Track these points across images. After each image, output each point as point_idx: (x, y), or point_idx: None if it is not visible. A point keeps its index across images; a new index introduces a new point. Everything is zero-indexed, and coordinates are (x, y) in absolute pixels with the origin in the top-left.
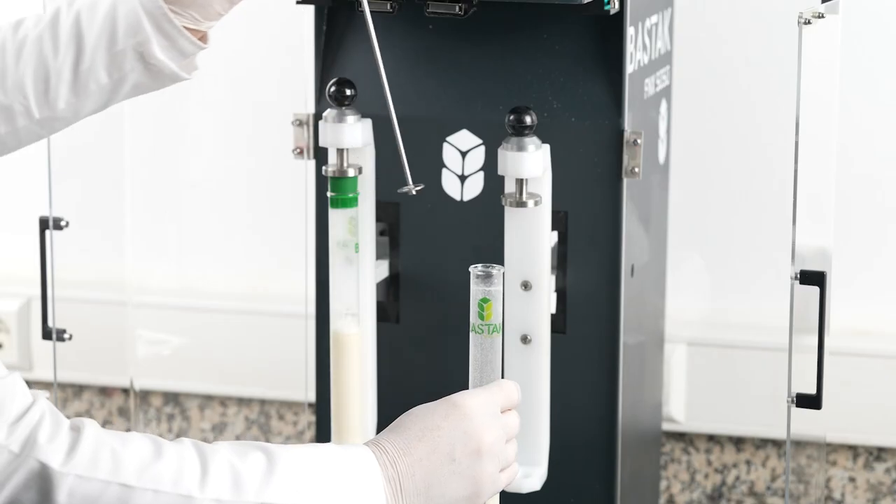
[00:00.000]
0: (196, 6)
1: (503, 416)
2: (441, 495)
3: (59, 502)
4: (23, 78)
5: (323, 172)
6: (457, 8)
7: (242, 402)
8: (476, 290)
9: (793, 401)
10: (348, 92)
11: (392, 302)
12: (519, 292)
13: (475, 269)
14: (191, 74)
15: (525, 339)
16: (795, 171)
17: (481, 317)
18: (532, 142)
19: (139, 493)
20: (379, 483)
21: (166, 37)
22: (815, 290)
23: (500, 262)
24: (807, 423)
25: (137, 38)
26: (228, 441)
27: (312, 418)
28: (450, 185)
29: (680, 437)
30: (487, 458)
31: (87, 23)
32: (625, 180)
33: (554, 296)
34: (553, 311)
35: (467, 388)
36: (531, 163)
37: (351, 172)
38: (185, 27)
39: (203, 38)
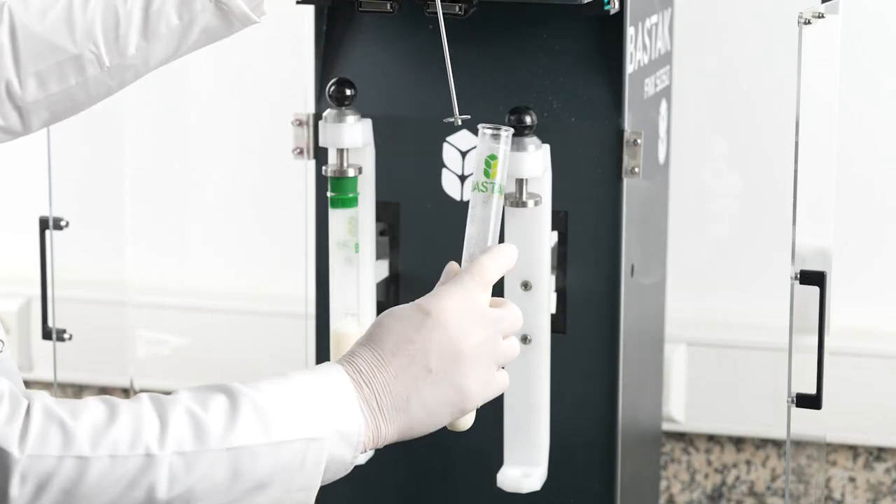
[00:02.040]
0: None
1: (493, 310)
2: (422, 406)
3: (12, 486)
4: (91, 25)
5: (323, 172)
6: (457, 8)
7: None
8: (483, 148)
9: (793, 401)
10: (348, 92)
11: (392, 302)
12: (519, 292)
13: (485, 126)
14: (260, 18)
15: (525, 339)
16: (795, 171)
17: (486, 174)
18: (532, 142)
19: (95, 462)
20: (355, 406)
21: None
22: (815, 290)
23: None
24: (807, 423)
25: None
26: (190, 387)
27: None
28: (450, 185)
29: (680, 437)
30: (470, 363)
31: None
32: (625, 180)
33: (554, 296)
34: (553, 311)
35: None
36: (531, 163)
37: (351, 172)
38: None
39: None
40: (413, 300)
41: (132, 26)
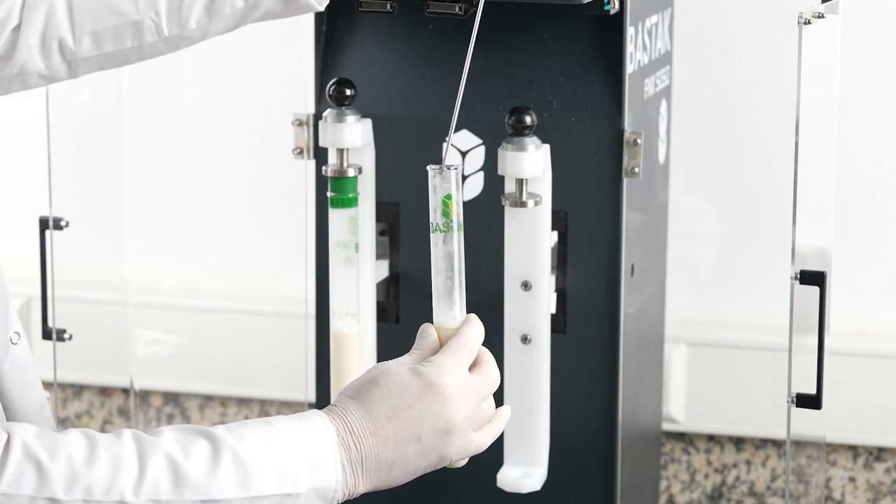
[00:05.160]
0: None
1: (476, 377)
2: (402, 468)
3: None
4: None
5: (323, 172)
6: (457, 8)
7: (242, 402)
8: (438, 189)
9: (793, 401)
10: (348, 92)
11: (392, 302)
12: (519, 292)
13: (431, 167)
14: (321, 4)
15: (525, 339)
16: (795, 171)
17: (446, 214)
18: (532, 142)
19: None
20: (337, 464)
21: None
22: (815, 290)
23: (501, 262)
24: (807, 423)
25: None
26: (175, 427)
27: None
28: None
29: (680, 437)
30: (456, 435)
31: None
32: (625, 180)
33: (554, 296)
34: (553, 311)
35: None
36: (531, 163)
37: (351, 172)
38: None
39: None
40: (413, 300)
41: (196, 2)
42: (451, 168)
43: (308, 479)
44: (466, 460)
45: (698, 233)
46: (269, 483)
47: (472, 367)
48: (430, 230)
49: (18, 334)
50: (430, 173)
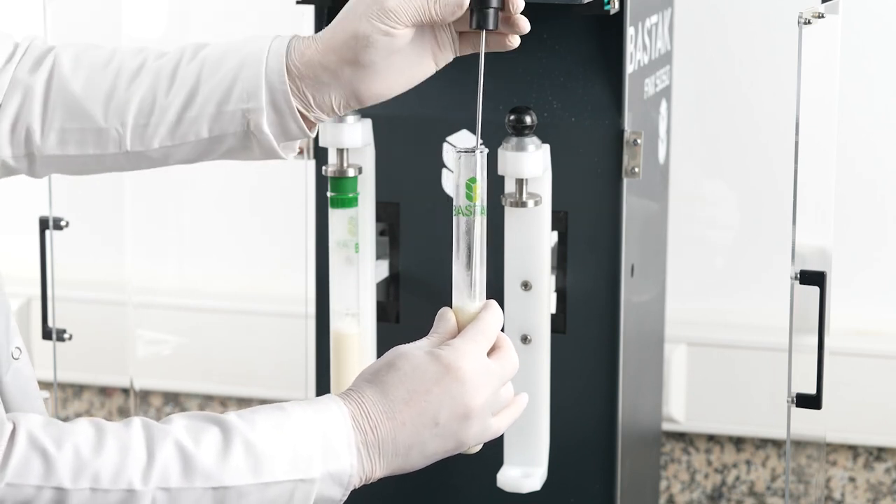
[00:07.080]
0: (313, 87)
1: (495, 362)
2: (420, 453)
3: None
4: (127, 104)
5: (323, 172)
6: None
7: (242, 402)
8: (462, 171)
9: (793, 401)
10: None
11: (392, 302)
12: (519, 292)
13: (459, 150)
14: (287, 156)
15: (525, 339)
16: (795, 171)
17: (469, 197)
18: (532, 142)
19: (74, 494)
20: (353, 448)
21: (277, 112)
22: (815, 290)
23: (501, 262)
24: (807, 423)
25: (250, 105)
26: (186, 415)
27: None
28: (450, 185)
29: (680, 437)
30: (474, 420)
31: (208, 74)
32: (625, 180)
33: (554, 296)
34: (553, 311)
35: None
36: (531, 163)
37: (351, 172)
38: (297, 109)
39: (311, 127)
40: (413, 300)
41: (163, 123)
42: (478, 151)
43: (322, 465)
44: (481, 446)
45: (699, 232)
46: (282, 469)
47: (490, 353)
48: (453, 213)
49: (20, 349)
50: (455, 155)
